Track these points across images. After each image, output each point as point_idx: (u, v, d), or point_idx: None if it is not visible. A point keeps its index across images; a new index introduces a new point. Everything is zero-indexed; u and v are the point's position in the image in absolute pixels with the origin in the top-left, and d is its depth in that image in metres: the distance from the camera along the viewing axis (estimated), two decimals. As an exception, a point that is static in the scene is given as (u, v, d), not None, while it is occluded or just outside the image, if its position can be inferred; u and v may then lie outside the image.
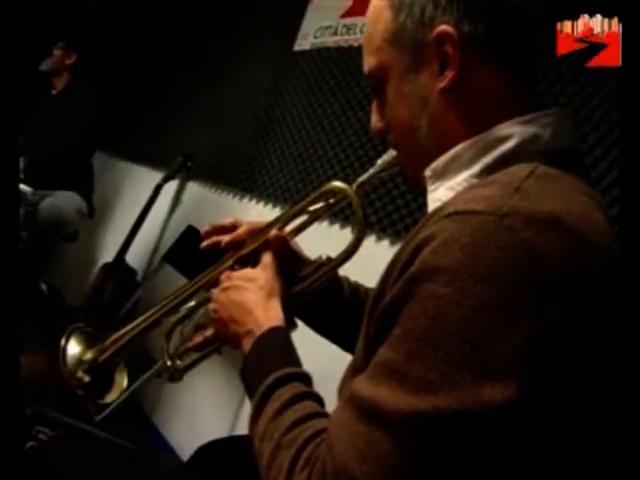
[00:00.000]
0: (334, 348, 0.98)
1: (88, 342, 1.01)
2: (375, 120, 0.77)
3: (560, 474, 0.54)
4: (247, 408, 2.01)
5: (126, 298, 2.52)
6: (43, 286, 3.07)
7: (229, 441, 1.20)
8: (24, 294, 2.60)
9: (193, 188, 2.78)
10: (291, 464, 0.57)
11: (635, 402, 0.51)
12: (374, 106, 0.77)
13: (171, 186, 2.82)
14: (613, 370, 0.54)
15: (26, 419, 1.26)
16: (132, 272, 2.84)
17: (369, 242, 1.66)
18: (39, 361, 2.31)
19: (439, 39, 0.64)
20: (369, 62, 0.72)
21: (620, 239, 0.54)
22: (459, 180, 0.65)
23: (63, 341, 0.99)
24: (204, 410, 2.21)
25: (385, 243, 1.65)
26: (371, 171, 0.85)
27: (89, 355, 0.99)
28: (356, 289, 0.98)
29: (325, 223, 1.83)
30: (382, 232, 1.66)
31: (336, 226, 1.82)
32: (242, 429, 1.94)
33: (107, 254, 3.02)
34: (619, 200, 0.56)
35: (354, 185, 0.84)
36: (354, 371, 0.67)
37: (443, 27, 0.64)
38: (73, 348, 1.00)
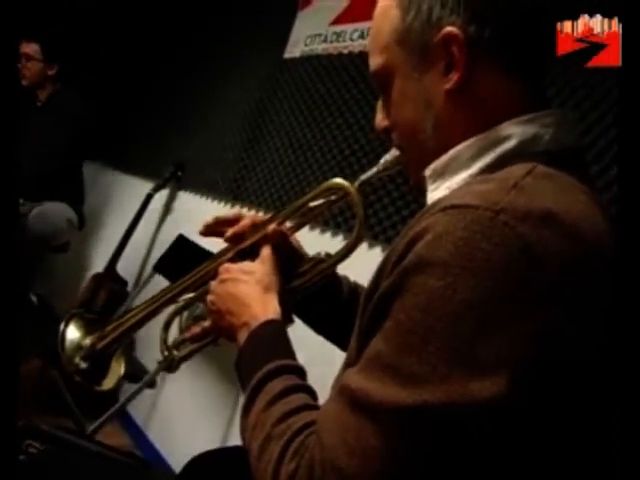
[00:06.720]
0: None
1: (87, 328, 1.01)
2: (380, 118, 0.76)
3: (551, 472, 0.54)
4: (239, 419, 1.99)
5: (117, 308, 2.50)
6: (33, 297, 3.04)
7: (221, 452, 1.19)
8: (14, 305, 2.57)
9: (184, 197, 2.77)
10: (280, 455, 0.56)
11: (635, 402, 0.50)
12: (379, 104, 0.76)
13: (162, 195, 2.81)
14: (608, 368, 0.53)
15: (17, 432, 1.24)
16: (123, 282, 2.82)
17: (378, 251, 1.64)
18: (29, 372, 2.29)
19: (445, 40, 0.64)
20: (375, 61, 0.72)
21: (617, 238, 0.53)
22: (458, 180, 0.65)
23: (62, 325, 0.98)
24: (196, 422, 2.19)
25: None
26: (373, 170, 0.84)
27: (87, 341, 0.99)
28: (355, 288, 0.98)
29: (328, 233, 1.82)
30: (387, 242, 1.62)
31: (340, 236, 1.80)
32: (234, 440, 1.93)
33: (98, 264, 2.99)
34: (617, 200, 0.56)
35: (356, 183, 0.84)
36: (346, 367, 0.67)
37: (449, 29, 0.63)
38: (72, 333, 0.99)
